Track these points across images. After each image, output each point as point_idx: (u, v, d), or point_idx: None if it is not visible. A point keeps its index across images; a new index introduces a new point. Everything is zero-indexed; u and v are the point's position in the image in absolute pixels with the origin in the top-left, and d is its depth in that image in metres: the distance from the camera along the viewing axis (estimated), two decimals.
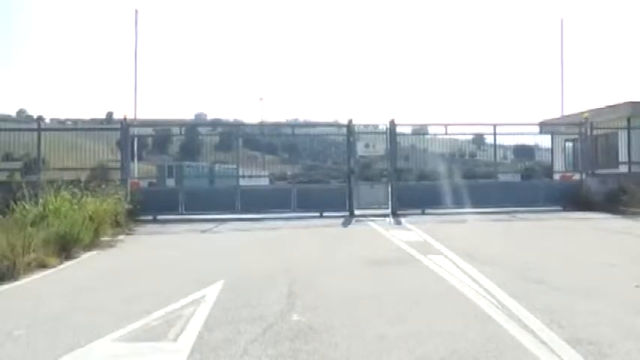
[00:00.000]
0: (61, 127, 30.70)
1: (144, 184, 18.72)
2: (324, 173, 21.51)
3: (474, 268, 7.49)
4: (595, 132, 19.24)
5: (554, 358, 4.00)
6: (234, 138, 18.95)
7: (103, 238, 11.01)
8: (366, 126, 19.78)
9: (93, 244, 10.17)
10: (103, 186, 13.67)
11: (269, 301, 5.80)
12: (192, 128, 25.25)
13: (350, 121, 18.14)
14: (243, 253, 9.95)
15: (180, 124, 22.71)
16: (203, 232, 13.57)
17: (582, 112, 19.99)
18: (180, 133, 20.65)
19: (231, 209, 16.97)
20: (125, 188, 15.56)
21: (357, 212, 17.16)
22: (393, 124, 18.11)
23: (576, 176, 19.13)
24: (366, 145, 18.48)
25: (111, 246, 10.67)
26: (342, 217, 16.41)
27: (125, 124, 17.21)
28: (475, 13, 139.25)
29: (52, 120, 52.79)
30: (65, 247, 9.09)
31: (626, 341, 4.29)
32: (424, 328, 4.71)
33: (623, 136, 19.91)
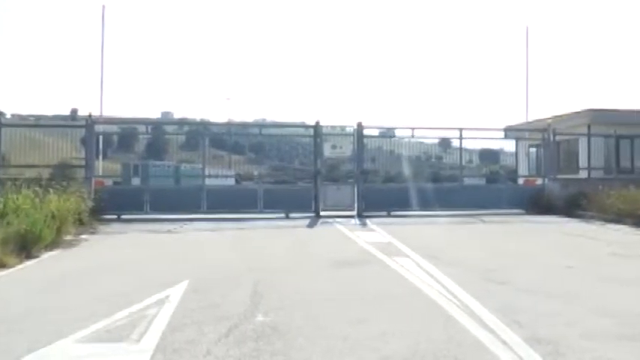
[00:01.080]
0: (23, 122, 30.03)
1: (109, 182, 18.42)
2: (291, 174, 21.48)
3: (438, 269, 7.59)
4: (557, 138, 19.68)
5: (514, 357, 4.09)
6: (201, 137, 18.79)
7: (65, 237, 10.79)
8: (333, 127, 19.83)
9: (55, 244, 9.96)
10: (66, 183, 13.41)
11: (233, 301, 5.78)
12: (158, 127, 24.95)
13: (317, 123, 18.18)
14: (209, 253, 9.88)
15: (147, 122, 22.34)
16: (168, 231, 13.43)
17: (546, 119, 20.45)
18: (147, 132, 20.35)
19: (197, 209, 16.84)
20: (89, 187, 15.30)
21: (323, 213, 17.20)
22: (360, 126, 18.22)
23: (539, 181, 19.53)
24: (333, 147, 18.52)
25: (74, 245, 10.48)
26: (308, 217, 16.43)
27: (90, 122, 16.91)
28: (443, 20, 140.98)
29: (13, 115, 51.45)
30: (26, 247, 8.88)
31: (582, 340, 4.41)
32: (388, 329, 4.75)
33: (583, 143, 20.47)
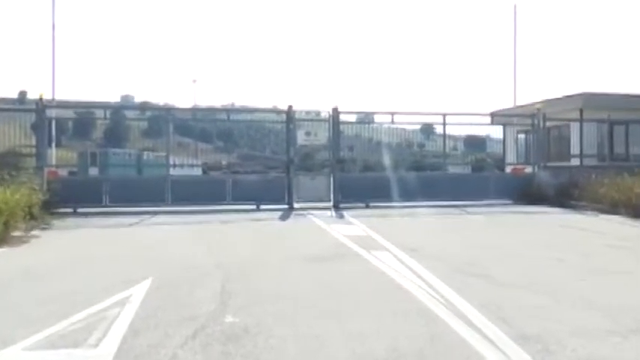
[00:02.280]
0: None
1: (63, 172, 18.21)
2: (262, 163, 21.49)
3: (419, 263, 7.65)
4: (547, 123, 19.83)
5: (501, 356, 4.14)
6: (165, 123, 18.63)
7: (14, 234, 10.61)
8: (307, 113, 19.80)
9: (2, 240, 9.81)
10: (14, 174, 13.18)
11: (201, 300, 5.76)
12: (118, 112, 24.67)
13: (290, 108, 18.13)
14: (174, 249, 9.82)
15: (105, 106, 22.04)
16: (129, 225, 13.32)
17: (535, 103, 20.62)
18: (105, 117, 20.02)
19: (161, 201, 16.74)
20: (41, 177, 15.07)
21: (296, 205, 17.23)
22: (336, 111, 18.22)
23: (528, 169, 19.73)
24: (307, 134, 18.51)
25: (23, 242, 10.32)
26: (280, 210, 16.44)
27: (41, 105, 16.62)
28: None
29: None
30: None
31: (572, 338, 4.47)
32: (365, 327, 4.78)
33: (575, 129, 20.60)
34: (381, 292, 6.21)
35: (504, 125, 22.35)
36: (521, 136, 22.75)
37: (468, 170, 21.56)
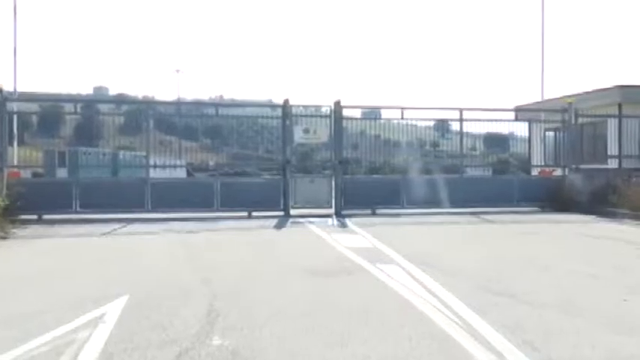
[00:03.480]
0: None
1: (26, 174, 18.14)
2: (255, 164, 21.37)
3: (433, 279, 7.63)
4: (580, 120, 19.74)
5: None
6: (144, 118, 18.57)
7: None
8: (305, 107, 19.79)
9: None
10: None
11: (184, 320, 5.73)
12: (90, 105, 24.60)
13: (286, 101, 18.13)
14: (154, 262, 9.79)
15: (76, 99, 22.07)
16: (103, 235, 13.28)
17: (565, 97, 20.54)
18: (75, 112, 19.94)
19: (139, 207, 16.71)
20: (1, 179, 15.04)
21: (293, 212, 17.21)
22: (338, 105, 18.21)
23: (558, 171, 19.68)
24: (306, 131, 18.49)
25: None
26: (275, 217, 16.43)
27: (1, 98, 16.62)
28: None
29: None
30: None
31: None
32: (371, 353, 4.75)
33: (612, 126, 20.48)
34: (390, 311, 6.18)
35: (530, 122, 22.27)
36: (550, 134, 22.65)
37: (488, 173, 21.52)
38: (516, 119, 22.16)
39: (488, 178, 20.68)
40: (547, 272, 8.65)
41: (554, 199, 18.25)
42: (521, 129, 22.33)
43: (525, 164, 22.34)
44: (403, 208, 17.79)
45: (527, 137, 22.34)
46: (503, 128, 21.81)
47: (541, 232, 14.05)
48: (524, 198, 18.49)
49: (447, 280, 7.54)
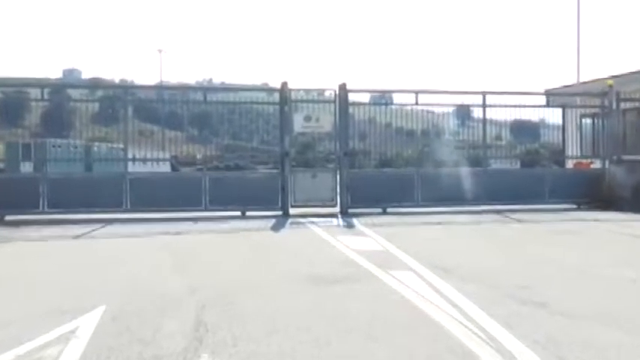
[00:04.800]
0: None
1: None
2: (249, 156, 21.38)
3: (452, 287, 7.62)
4: (622, 105, 19.65)
5: None
6: (121, 105, 18.62)
7: None
8: (307, 91, 19.77)
9: None
10: None
11: (169, 335, 5.72)
12: (59, 91, 24.51)
13: (284, 85, 18.11)
14: (134, 268, 9.78)
15: (43, 84, 21.96)
16: (75, 238, 13.30)
17: (605, 79, 20.44)
18: (42, 98, 19.91)
19: (117, 206, 16.76)
20: None
21: (293, 211, 17.23)
22: (343, 89, 18.19)
23: (596, 164, 19.63)
24: (307, 118, 18.47)
25: None
26: (272, 217, 16.47)
27: None
28: None
29: None
30: None
31: None
32: None
33: None
34: (404, 324, 6.16)
35: (564, 107, 22.16)
36: (587, 121, 22.55)
37: (515, 165, 21.51)
38: (548, 104, 22.05)
39: (515, 171, 20.68)
40: (584, 278, 8.64)
41: (591, 195, 18.22)
42: (553, 115, 22.21)
43: (558, 155, 22.25)
44: (418, 206, 17.80)
45: (560, 125, 22.22)
46: (532, 115, 21.81)
47: (577, 232, 14.03)
48: (557, 194, 18.47)
49: (468, 288, 7.53)
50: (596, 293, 7.59)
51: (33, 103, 19.19)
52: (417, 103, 19.25)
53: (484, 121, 19.23)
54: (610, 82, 19.64)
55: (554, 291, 7.58)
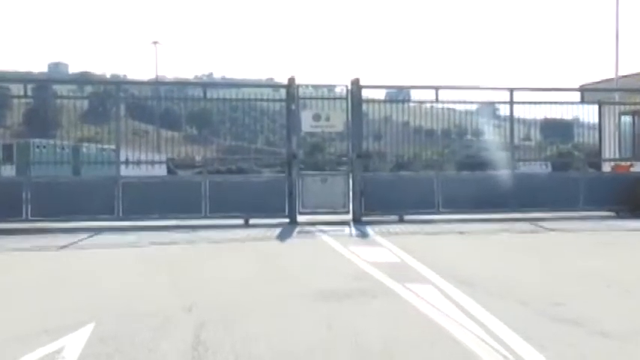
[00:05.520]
0: None
1: None
2: (253, 159, 21.39)
3: (478, 303, 7.56)
4: None
5: None
6: (113, 102, 18.63)
7: None
8: (316, 87, 19.74)
9: None
10: None
11: (164, 356, 5.70)
12: (44, 86, 24.53)
13: (292, 80, 18.09)
14: (126, 282, 9.77)
15: (26, 79, 22.07)
16: (61, 248, 13.30)
17: None
18: (25, 94, 19.96)
19: (108, 213, 16.79)
20: None
21: (301, 218, 17.22)
22: (356, 84, 18.17)
23: (637, 167, 19.53)
24: (316, 117, 18.45)
25: None
26: (278, 225, 16.48)
27: None
28: None
29: None
30: None
31: None
32: None
33: None
34: (425, 346, 6.11)
35: (601, 104, 22.02)
36: (627, 119, 22.43)
37: (546, 168, 21.43)
38: (583, 101, 21.81)
39: (546, 175, 20.62)
40: (626, 294, 8.57)
41: (631, 201, 18.13)
42: (589, 113, 22.03)
43: (594, 158, 22.13)
44: (438, 213, 17.75)
45: (596, 124, 22.10)
46: (565, 112, 21.60)
47: (616, 243, 13.98)
48: (592, 200, 18.38)
49: (495, 305, 7.47)
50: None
51: (15, 100, 19.18)
52: (437, 100, 19.24)
53: (511, 119, 19.17)
54: None
55: (593, 308, 7.51)
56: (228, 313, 7.48)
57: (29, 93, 18.98)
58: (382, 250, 12.55)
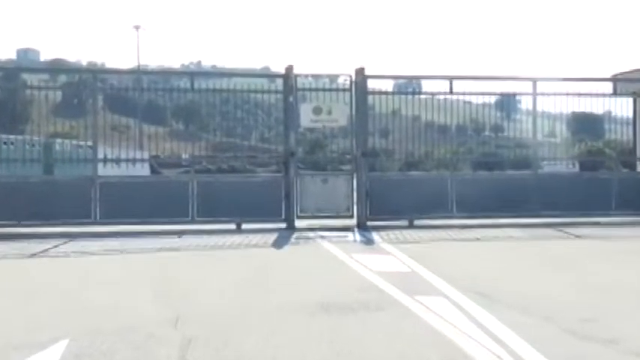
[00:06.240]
0: None
1: None
2: (246, 157, 21.38)
3: (497, 318, 7.56)
4: None
5: None
6: (90, 93, 18.60)
7: None
8: (316, 77, 19.76)
9: None
10: None
11: None
12: (12, 75, 24.52)
13: (289, 69, 18.06)
14: (104, 294, 9.75)
15: None
16: (32, 256, 13.33)
17: None
18: None
19: (85, 217, 16.78)
20: None
21: (299, 223, 17.22)
22: (361, 74, 18.15)
23: None
24: (317, 110, 18.42)
25: None
26: (274, 231, 16.47)
27: None
28: None
29: None
30: None
31: None
32: None
33: None
34: None
35: (636, 96, 22.00)
36: None
37: (574, 168, 21.41)
38: (615, 93, 21.72)
39: (573, 175, 20.59)
40: None
41: None
42: (622, 106, 21.95)
43: (628, 156, 22.06)
44: (453, 217, 17.71)
45: (631, 118, 22.04)
46: (595, 105, 21.54)
47: None
48: (626, 204, 18.35)
49: (516, 320, 7.46)
50: None
51: None
52: (451, 92, 19.20)
53: (534, 113, 19.12)
54: None
55: (626, 325, 7.48)
56: (219, 328, 7.48)
57: None
58: (390, 259, 12.56)
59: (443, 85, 19.14)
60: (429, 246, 14.27)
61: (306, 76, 19.26)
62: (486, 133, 22.60)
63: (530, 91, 18.96)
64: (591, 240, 15.36)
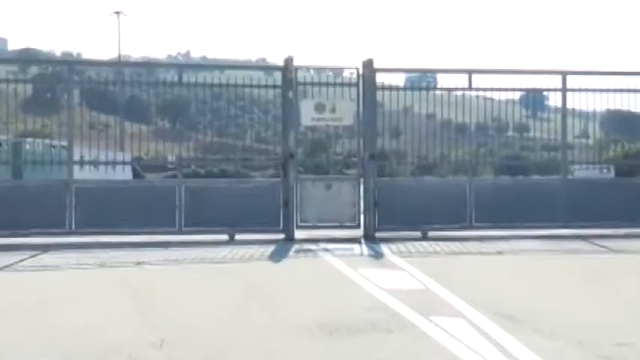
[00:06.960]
0: None
1: None
2: (239, 159, 21.39)
3: (522, 342, 7.54)
4: None
5: None
6: (65, 88, 18.61)
7: None
8: (319, 70, 19.78)
9: None
10: None
11: None
12: None
13: (289, 62, 18.06)
14: (81, 311, 9.78)
15: None
16: (0, 270, 13.31)
17: None
18: None
19: (58, 226, 16.78)
20: None
21: (299, 234, 17.23)
22: (369, 67, 18.15)
23: None
24: (319, 107, 18.42)
25: None
26: (271, 242, 16.47)
27: None
28: None
29: None
30: None
31: None
32: None
33: None
34: None
35: None
36: None
37: (608, 173, 21.39)
38: None
39: (607, 181, 20.59)
40: None
41: None
42: None
43: None
44: (471, 228, 17.71)
45: None
46: (633, 102, 21.53)
47: None
48: None
49: (543, 344, 7.46)
50: None
51: None
52: (470, 87, 19.20)
53: (563, 111, 19.10)
54: None
55: None
56: (208, 351, 7.48)
57: None
58: (401, 275, 12.57)
59: (461, 80, 19.14)
60: (445, 260, 14.28)
61: (308, 68, 19.28)
62: (509, 133, 22.59)
63: (560, 86, 18.94)
64: (628, 254, 15.33)
